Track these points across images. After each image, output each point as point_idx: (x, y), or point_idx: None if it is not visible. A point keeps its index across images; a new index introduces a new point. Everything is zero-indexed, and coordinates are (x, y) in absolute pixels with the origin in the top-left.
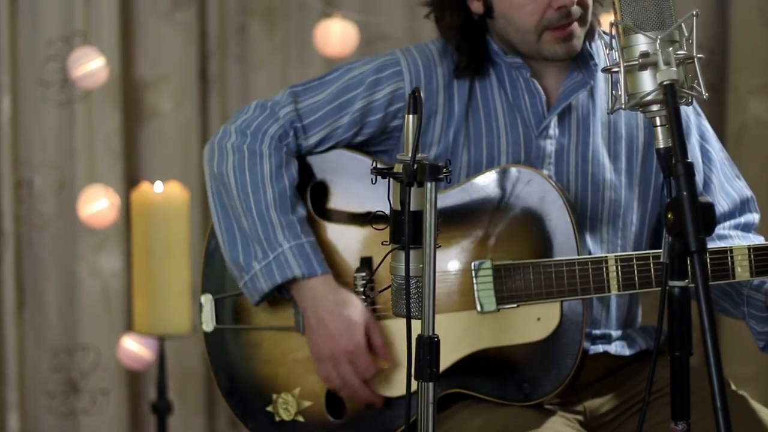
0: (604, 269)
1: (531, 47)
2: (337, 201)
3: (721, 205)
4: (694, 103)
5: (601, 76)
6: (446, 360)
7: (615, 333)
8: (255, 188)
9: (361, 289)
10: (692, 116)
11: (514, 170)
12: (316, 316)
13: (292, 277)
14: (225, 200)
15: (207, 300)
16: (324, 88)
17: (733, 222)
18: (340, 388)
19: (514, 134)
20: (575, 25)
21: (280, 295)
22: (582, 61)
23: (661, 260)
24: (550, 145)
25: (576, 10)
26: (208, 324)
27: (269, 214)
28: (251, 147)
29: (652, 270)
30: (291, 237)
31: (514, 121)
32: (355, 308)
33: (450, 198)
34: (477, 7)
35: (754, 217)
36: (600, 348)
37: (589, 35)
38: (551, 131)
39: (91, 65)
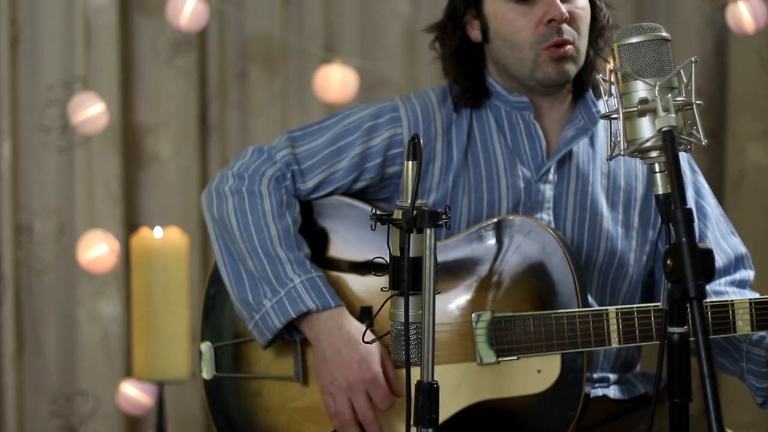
0: (605, 322)
1: (525, 67)
2: (337, 250)
3: (716, 261)
4: (690, 159)
5: (601, 126)
6: (445, 412)
7: (613, 376)
8: (258, 227)
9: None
10: (688, 172)
11: (514, 220)
12: (332, 346)
13: (306, 310)
14: (228, 244)
15: (207, 348)
16: (322, 133)
17: (728, 278)
18: (348, 424)
19: (513, 178)
20: (570, 48)
21: (289, 336)
22: (584, 107)
23: (660, 306)
24: (549, 190)
25: (568, 29)
26: (208, 372)
27: (276, 251)
28: (249, 188)
29: (653, 323)
30: (301, 272)
31: (513, 164)
32: (371, 353)
33: (450, 248)
34: (476, 34)
35: (749, 273)
36: (599, 391)
37: (596, 89)
38: (550, 176)
39: (92, 111)
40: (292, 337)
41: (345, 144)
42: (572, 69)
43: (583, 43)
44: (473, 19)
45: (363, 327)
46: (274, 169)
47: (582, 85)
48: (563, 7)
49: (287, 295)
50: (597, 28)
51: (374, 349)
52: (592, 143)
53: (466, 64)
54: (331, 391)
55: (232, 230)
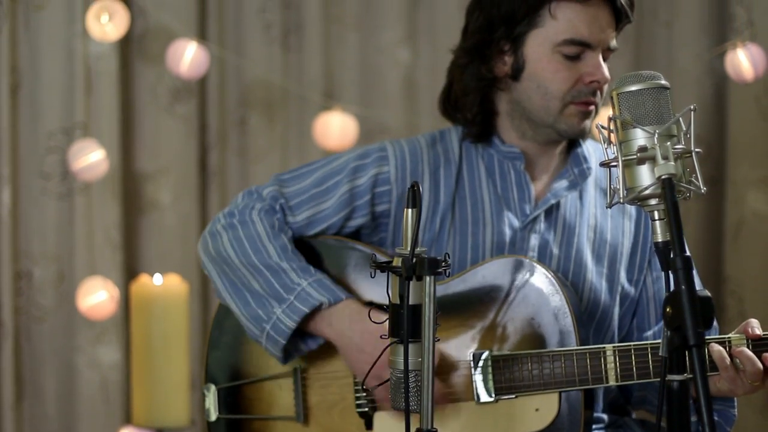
0: (602, 360)
1: (550, 116)
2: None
3: None
4: None
5: (591, 180)
6: None
7: (609, 417)
8: (256, 249)
9: (360, 386)
10: None
11: (514, 261)
12: (360, 330)
13: (318, 303)
14: (231, 276)
15: (210, 390)
16: (309, 175)
17: None
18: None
19: (499, 224)
20: (593, 107)
21: (305, 345)
22: (575, 162)
23: (660, 354)
24: (534, 239)
25: (598, 93)
26: (211, 414)
27: (279, 264)
28: (241, 219)
29: (650, 360)
30: (307, 275)
31: (500, 211)
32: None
33: (450, 288)
34: (502, 69)
35: None
36: None
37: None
38: (537, 226)
39: (92, 157)
40: (308, 346)
41: (332, 184)
42: (590, 127)
43: (600, 106)
44: (503, 53)
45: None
46: (262, 204)
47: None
48: (607, 72)
49: (297, 297)
50: None
51: None
52: (580, 197)
53: (483, 102)
54: (376, 374)
55: (232, 260)
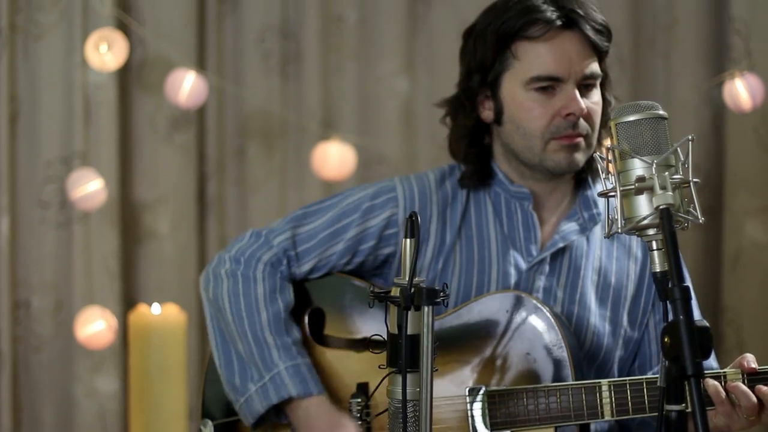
0: (598, 395)
1: (535, 155)
2: (335, 327)
3: None
4: None
5: (599, 224)
6: None
7: None
8: (249, 312)
9: (358, 415)
10: None
11: (509, 296)
12: None
13: (288, 397)
14: (222, 325)
15: (207, 425)
16: (322, 213)
17: None
18: None
19: (504, 264)
20: (580, 140)
21: (277, 419)
22: (585, 205)
23: (658, 384)
24: (539, 281)
25: (583, 125)
26: None
27: (264, 336)
28: (245, 273)
29: (645, 395)
30: (287, 358)
31: (506, 251)
32: (349, 430)
33: (446, 322)
34: (487, 115)
35: None
36: None
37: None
38: (543, 267)
39: (90, 186)
40: (280, 419)
41: (343, 225)
42: (581, 159)
43: (595, 137)
44: (486, 99)
45: (342, 416)
46: (270, 254)
47: (584, 180)
48: (582, 103)
49: (271, 381)
50: (603, 122)
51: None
52: (587, 238)
53: (475, 145)
54: None
55: (225, 312)
